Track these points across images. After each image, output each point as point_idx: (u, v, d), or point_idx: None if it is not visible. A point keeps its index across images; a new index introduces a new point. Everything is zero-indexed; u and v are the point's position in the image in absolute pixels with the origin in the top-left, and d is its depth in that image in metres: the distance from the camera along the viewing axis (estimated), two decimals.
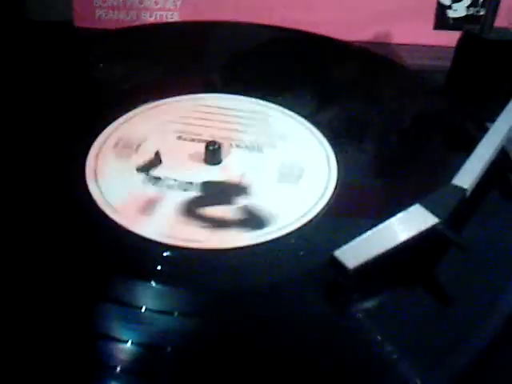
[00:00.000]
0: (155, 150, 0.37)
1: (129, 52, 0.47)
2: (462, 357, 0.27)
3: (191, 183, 0.35)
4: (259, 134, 0.39)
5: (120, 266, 0.30)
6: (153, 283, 0.29)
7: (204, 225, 0.32)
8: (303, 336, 0.28)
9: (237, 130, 0.39)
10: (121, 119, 0.39)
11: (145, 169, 0.36)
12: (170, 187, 0.35)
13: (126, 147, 0.37)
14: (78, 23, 0.54)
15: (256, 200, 0.34)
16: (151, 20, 0.54)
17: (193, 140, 0.38)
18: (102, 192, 0.34)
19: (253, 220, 0.33)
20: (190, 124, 0.39)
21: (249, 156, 0.37)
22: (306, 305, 0.29)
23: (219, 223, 0.33)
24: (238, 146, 0.38)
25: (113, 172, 0.35)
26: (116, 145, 0.37)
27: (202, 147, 0.37)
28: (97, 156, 0.36)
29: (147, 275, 0.30)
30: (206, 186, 0.35)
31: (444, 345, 0.28)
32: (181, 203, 0.34)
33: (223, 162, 0.37)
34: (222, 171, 0.36)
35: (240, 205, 0.34)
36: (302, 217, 0.33)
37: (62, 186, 0.35)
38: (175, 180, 0.35)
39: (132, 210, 0.33)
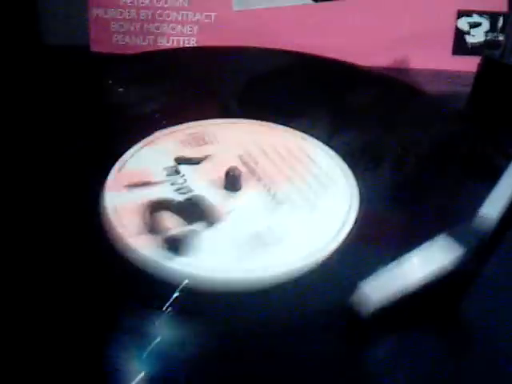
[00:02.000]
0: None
1: (147, 76, 0.46)
2: None
3: (191, 190, 0.35)
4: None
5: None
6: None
7: (142, 223, 0.32)
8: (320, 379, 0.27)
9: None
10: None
11: (182, 160, 0.37)
12: (173, 182, 0.35)
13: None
14: (94, 48, 0.53)
15: (212, 234, 0.33)
16: (168, 45, 0.54)
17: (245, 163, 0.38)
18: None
19: (174, 244, 0.32)
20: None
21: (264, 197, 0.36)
22: (322, 346, 0.28)
23: (153, 230, 0.32)
24: (259, 180, 0.37)
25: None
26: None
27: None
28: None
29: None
30: (195, 197, 0.35)
31: None
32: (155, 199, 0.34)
33: (240, 191, 0.36)
34: (225, 198, 0.35)
35: (192, 228, 0.33)
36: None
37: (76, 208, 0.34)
38: (184, 180, 0.36)
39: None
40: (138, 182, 0.36)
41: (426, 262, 0.29)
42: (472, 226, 0.31)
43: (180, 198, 0.35)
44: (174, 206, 0.34)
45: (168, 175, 0.36)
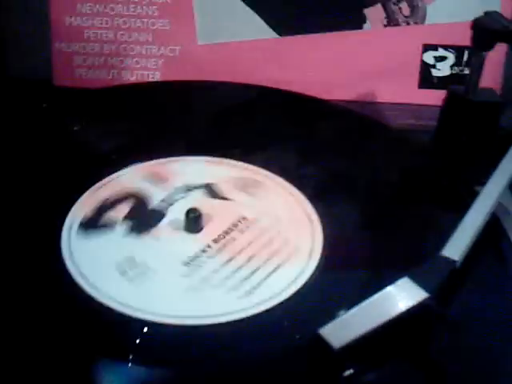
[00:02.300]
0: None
1: (108, 112, 0.46)
2: None
3: None
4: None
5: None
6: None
7: None
8: None
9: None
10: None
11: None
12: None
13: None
14: (57, 82, 0.53)
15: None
16: (132, 79, 0.53)
17: None
18: None
19: None
20: None
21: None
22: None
23: None
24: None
25: None
26: None
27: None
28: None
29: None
30: None
31: None
32: None
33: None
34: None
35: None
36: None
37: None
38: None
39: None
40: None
41: (390, 304, 0.28)
42: (434, 268, 0.30)
43: None
44: None
45: None
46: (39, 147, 0.42)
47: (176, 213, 0.36)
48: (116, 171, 0.39)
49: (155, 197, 0.37)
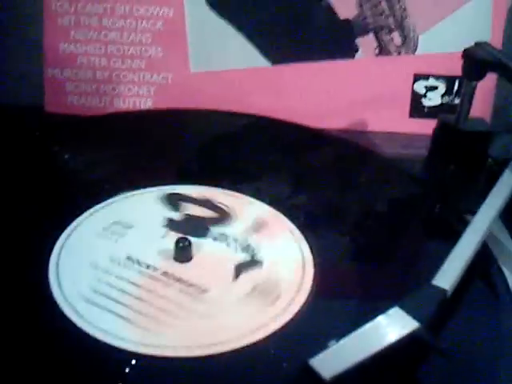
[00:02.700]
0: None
1: (99, 140, 0.46)
2: None
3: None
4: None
5: None
6: None
7: None
8: None
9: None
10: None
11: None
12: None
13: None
14: (48, 108, 0.53)
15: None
16: (124, 107, 0.53)
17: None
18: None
19: None
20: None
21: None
22: None
23: None
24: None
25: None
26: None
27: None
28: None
29: None
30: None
31: None
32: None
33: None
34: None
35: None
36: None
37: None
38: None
39: None
40: None
41: (380, 334, 0.28)
42: (424, 297, 0.30)
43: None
44: None
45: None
46: (28, 172, 0.42)
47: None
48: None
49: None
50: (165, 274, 0.33)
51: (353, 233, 0.39)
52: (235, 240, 0.36)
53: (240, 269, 0.34)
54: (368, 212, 0.41)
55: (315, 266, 0.35)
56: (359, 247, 0.38)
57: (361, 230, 0.39)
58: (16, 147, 0.44)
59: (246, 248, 0.36)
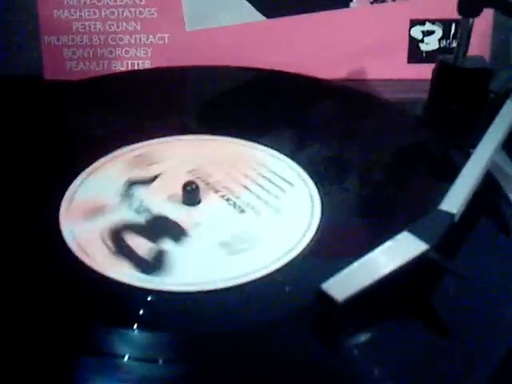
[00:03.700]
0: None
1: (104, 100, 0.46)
2: None
3: (150, 209, 0.35)
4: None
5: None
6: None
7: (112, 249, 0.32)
8: (295, 378, 0.26)
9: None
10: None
11: (133, 182, 0.36)
12: (129, 204, 0.35)
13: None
14: (47, 76, 0.53)
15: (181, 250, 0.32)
16: (122, 70, 0.53)
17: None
18: None
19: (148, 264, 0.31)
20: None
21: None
22: (296, 345, 0.28)
23: (124, 252, 0.32)
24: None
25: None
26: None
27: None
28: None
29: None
30: (156, 216, 0.34)
31: (443, 379, 0.26)
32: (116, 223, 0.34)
33: (200, 205, 0.35)
34: (186, 212, 0.35)
35: (159, 247, 0.32)
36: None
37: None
38: (141, 201, 0.35)
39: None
40: (93, 210, 0.35)
41: (390, 257, 0.28)
42: (432, 221, 0.30)
43: (141, 218, 0.34)
44: (137, 228, 0.33)
45: (122, 198, 0.36)
46: (36, 132, 0.42)
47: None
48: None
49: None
50: None
51: (360, 175, 0.39)
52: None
53: None
54: (376, 156, 0.41)
55: (323, 203, 0.36)
56: (367, 188, 0.38)
57: (368, 174, 0.40)
58: (18, 115, 0.44)
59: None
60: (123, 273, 0.30)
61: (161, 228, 0.34)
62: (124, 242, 0.32)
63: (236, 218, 0.34)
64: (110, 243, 0.32)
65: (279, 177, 0.37)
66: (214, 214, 0.35)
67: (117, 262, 0.31)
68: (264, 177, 0.37)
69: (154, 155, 0.39)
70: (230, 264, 0.31)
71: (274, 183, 0.37)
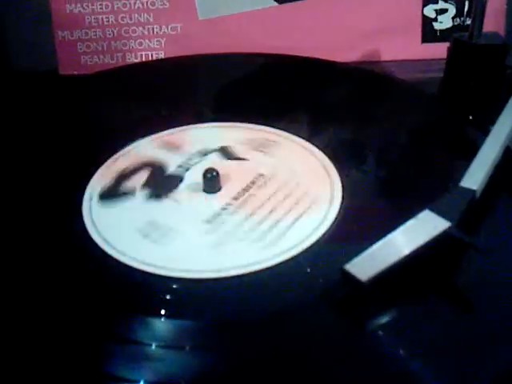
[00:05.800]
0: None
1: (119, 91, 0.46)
2: (489, 367, 0.26)
3: None
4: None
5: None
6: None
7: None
8: (322, 359, 0.26)
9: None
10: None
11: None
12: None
13: None
14: (62, 71, 0.53)
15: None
16: (137, 61, 0.53)
17: None
18: None
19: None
20: None
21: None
22: (322, 326, 0.28)
23: None
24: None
25: None
26: None
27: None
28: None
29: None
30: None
31: (469, 356, 0.26)
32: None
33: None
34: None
35: None
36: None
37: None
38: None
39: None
40: None
41: (413, 235, 0.28)
42: (453, 199, 0.30)
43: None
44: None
45: None
46: (56, 127, 0.42)
47: (194, 176, 0.36)
48: (130, 143, 0.39)
49: (172, 163, 0.37)
50: None
51: (380, 156, 0.39)
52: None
53: None
54: (395, 137, 0.41)
55: (344, 185, 0.36)
56: (386, 164, 0.38)
57: (388, 154, 0.39)
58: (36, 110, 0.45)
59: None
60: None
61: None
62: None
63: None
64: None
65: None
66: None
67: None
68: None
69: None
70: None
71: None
